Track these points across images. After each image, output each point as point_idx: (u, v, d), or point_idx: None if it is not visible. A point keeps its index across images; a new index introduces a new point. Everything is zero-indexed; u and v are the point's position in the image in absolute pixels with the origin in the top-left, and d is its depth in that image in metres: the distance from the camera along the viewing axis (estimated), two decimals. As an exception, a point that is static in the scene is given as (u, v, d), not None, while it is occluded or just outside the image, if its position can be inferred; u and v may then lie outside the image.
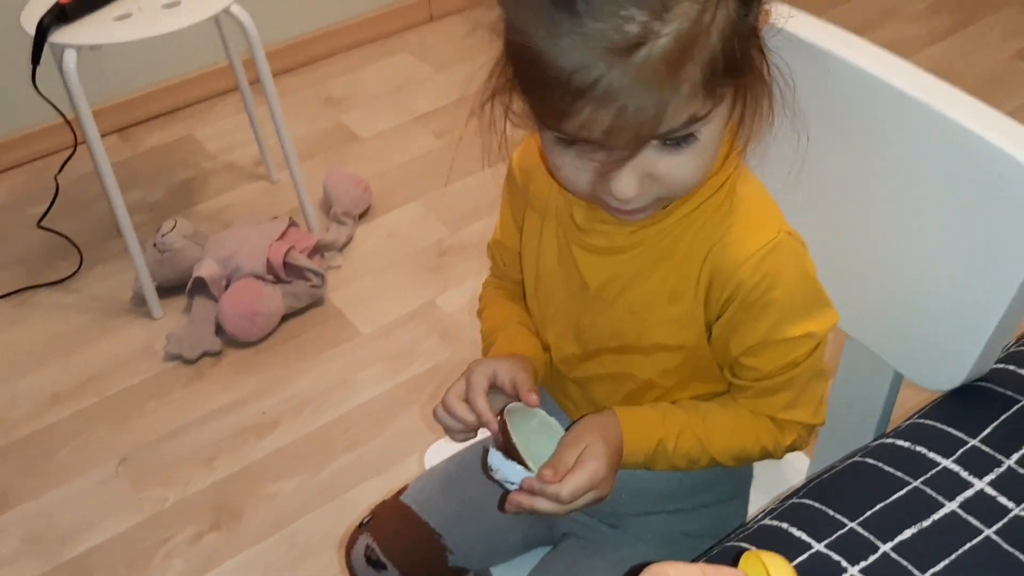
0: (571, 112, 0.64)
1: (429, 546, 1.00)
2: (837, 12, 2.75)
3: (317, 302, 2.01)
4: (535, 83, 0.66)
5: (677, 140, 0.68)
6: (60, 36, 1.75)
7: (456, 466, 1.05)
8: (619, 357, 0.87)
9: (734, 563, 0.64)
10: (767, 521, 0.82)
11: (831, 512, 0.80)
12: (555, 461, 0.80)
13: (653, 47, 0.61)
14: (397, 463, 1.68)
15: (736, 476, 0.99)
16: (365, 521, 1.02)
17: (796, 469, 1.16)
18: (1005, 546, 0.75)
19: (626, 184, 0.69)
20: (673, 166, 0.70)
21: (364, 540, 1.01)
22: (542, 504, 0.79)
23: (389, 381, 1.85)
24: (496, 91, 0.73)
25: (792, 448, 0.89)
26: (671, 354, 0.85)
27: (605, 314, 0.85)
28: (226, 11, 1.83)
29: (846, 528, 0.78)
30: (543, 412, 0.86)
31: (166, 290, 2.03)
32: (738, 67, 0.67)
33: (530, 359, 0.89)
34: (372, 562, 1.00)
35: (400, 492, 1.03)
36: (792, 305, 0.80)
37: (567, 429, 0.85)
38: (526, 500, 0.79)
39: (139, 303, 2.03)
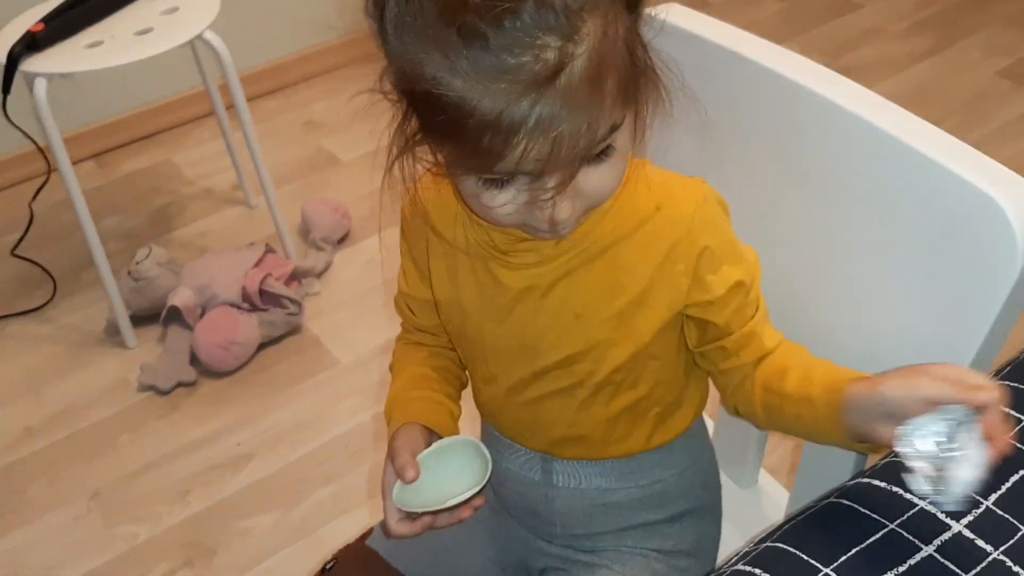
0: (505, 152, 0.63)
1: None
2: (819, 32, 2.75)
3: (294, 330, 1.99)
4: (457, 131, 0.64)
5: (600, 155, 0.69)
6: (31, 64, 1.73)
7: None
8: (569, 368, 0.85)
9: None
10: (740, 566, 0.80)
11: (805, 556, 0.77)
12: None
13: (573, 70, 0.62)
14: (375, 498, 1.65)
15: (703, 481, 0.98)
16: (328, 566, 0.99)
17: (776, 503, 1.14)
18: (984, 592, 0.73)
19: (564, 208, 0.69)
20: (597, 179, 0.70)
21: None
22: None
23: (367, 412, 1.82)
24: (403, 150, 0.72)
25: None
26: (620, 348, 0.83)
27: (549, 326, 0.83)
28: (199, 37, 1.81)
29: (821, 573, 0.75)
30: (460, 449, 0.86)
31: (141, 319, 2.00)
32: (639, 69, 0.69)
33: (420, 424, 0.88)
34: None
35: (364, 536, 1.00)
36: (736, 243, 0.83)
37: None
38: None
39: (113, 333, 2.00)
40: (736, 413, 0.89)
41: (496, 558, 1.00)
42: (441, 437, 0.89)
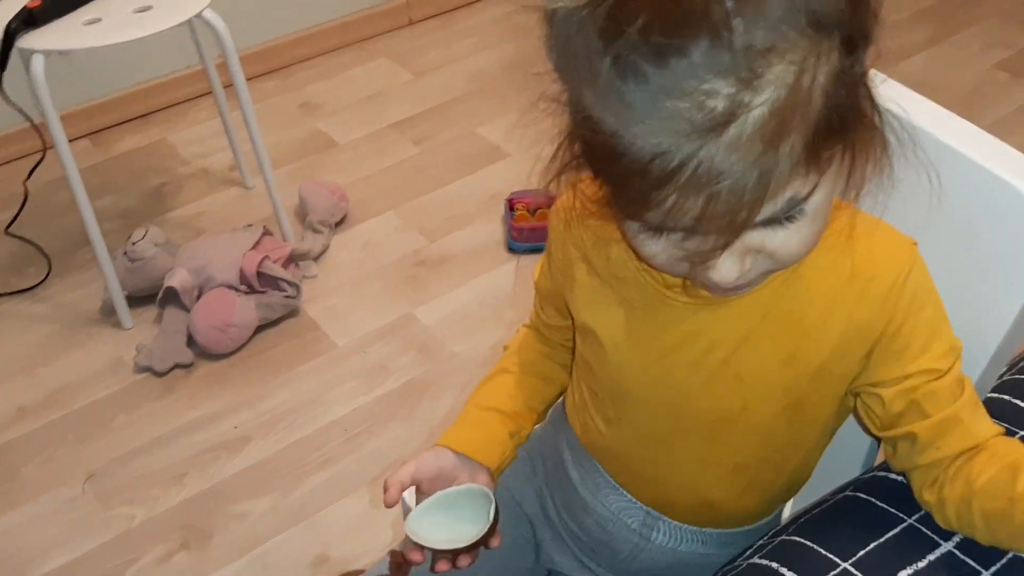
0: (653, 202, 0.55)
1: None
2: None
3: (292, 313, 1.97)
4: (609, 169, 0.57)
5: (780, 220, 0.60)
6: (28, 41, 1.70)
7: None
8: (710, 436, 0.79)
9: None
10: (756, 559, 0.79)
11: (823, 551, 0.77)
12: None
13: (745, 123, 0.52)
14: (373, 482, 1.64)
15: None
16: None
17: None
18: (1003, 589, 0.72)
19: (727, 271, 0.61)
20: (780, 241, 0.61)
21: None
22: None
23: (364, 396, 1.81)
24: (563, 169, 0.64)
25: None
26: (783, 425, 0.77)
27: (703, 385, 0.76)
28: (198, 16, 1.79)
29: (839, 568, 0.75)
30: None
31: (137, 300, 1.98)
32: (846, 125, 0.57)
33: (451, 463, 0.87)
34: None
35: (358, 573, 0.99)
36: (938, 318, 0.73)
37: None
38: None
39: (108, 313, 1.98)
40: (941, 519, 0.75)
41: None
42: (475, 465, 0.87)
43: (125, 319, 1.96)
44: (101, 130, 2.52)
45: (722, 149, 0.52)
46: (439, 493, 0.85)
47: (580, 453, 0.92)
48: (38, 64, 1.68)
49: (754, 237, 0.60)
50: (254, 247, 1.95)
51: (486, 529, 0.84)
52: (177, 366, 1.86)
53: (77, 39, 1.71)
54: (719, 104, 0.51)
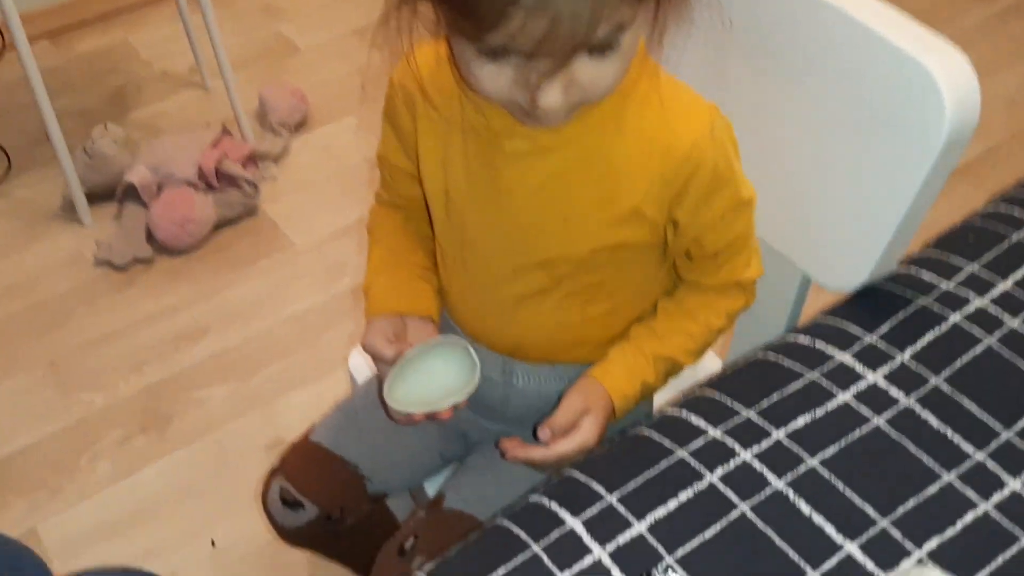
0: (500, 22, 0.60)
1: (345, 478, 1.00)
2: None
3: (250, 212, 2.00)
4: None
5: (602, 48, 0.66)
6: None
7: (361, 399, 1.04)
8: (550, 270, 0.85)
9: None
10: (670, 411, 0.85)
11: (729, 402, 0.83)
12: (552, 422, 0.85)
13: None
14: (327, 373, 1.69)
15: None
16: (276, 466, 1.02)
17: (708, 368, 1.19)
18: (892, 434, 0.79)
19: (553, 96, 0.67)
20: (596, 73, 0.68)
21: (278, 483, 1.00)
22: (535, 454, 0.86)
23: (321, 294, 1.85)
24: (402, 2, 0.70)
25: (745, 307, 0.92)
26: (607, 256, 0.84)
27: (535, 226, 0.83)
28: (157, -92, 1.78)
29: (742, 416, 0.81)
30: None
31: (96, 196, 1.99)
32: None
33: (394, 318, 0.91)
34: (288, 503, 1.00)
35: (307, 433, 1.03)
36: (738, 171, 0.82)
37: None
38: (520, 452, 0.87)
39: (68, 210, 1.99)
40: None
41: (439, 431, 1.03)
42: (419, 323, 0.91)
43: (85, 215, 1.98)
44: (62, 31, 2.49)
45: None
46: (407, 354, 0.87)
47: (444, 319, 0.97)
48: (-6, -45, 1.67)
49: (577, 67, 0.66)
50: (213, 146, 1.96)
51: (475, 379, 0.86)
52: (136, 260, 1.88)
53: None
54: None
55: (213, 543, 1.47)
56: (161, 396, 1.67)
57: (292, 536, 1.04)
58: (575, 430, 0.85)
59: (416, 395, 0.87)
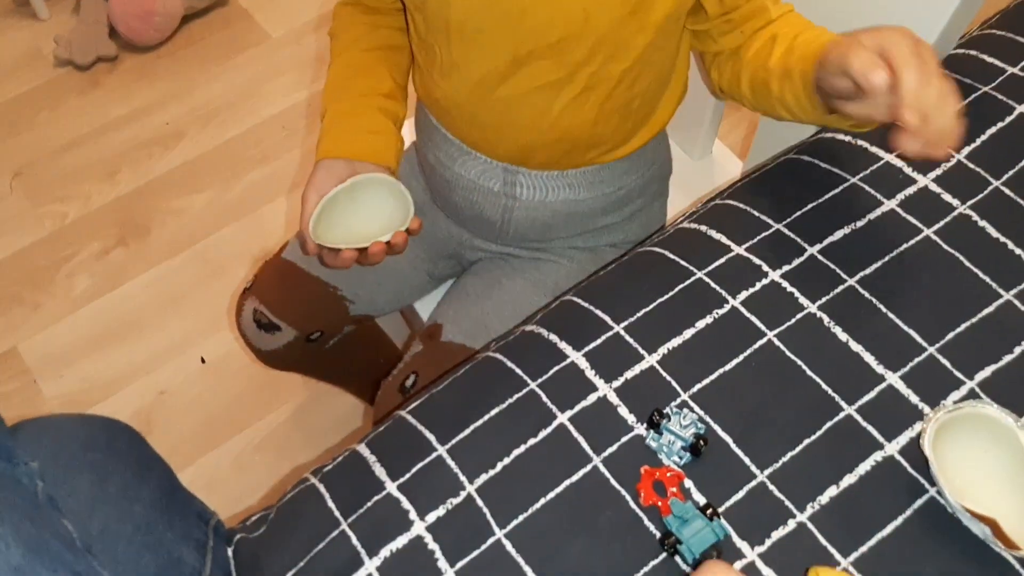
0: None
1: (324, 300, 0.92)
2: None
3: (220, 3, 1.82)
4: None
5: None
6: None
7: None
8: (560, 56, 0.71)
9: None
10: (686, 224, 0.74)
11: (756, 213, 0.71)
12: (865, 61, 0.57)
13: None
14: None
15: (662, 173, 0.90)
16: (248, 286, 0.93)
17: (729, 173, 1.08)
18: (944, 246, 0.68)
19: None
20: None
21: (251, 304, 0.92)
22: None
23: (301, 91, 1.70)
24: None
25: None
26: (630, 33, 0.70)
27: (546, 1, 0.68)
28: None
29: (770, 230, 0.70)
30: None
31: (52, -12, 1.82)
32: None
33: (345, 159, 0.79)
34: (263, 325, 0.92)
35: (280, 251, 0.93)
36: None
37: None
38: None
39: (21, 3, 1.82)
40: (720, 92, 0.79)
41: (427, 252, 0.93)
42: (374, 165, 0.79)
43: (40, 9, 1.81)
44: None
45: None
46: (334, 191, 0.76)
47: (431, 130, 0.85)
48: None
49: None
50: (175, -73, 1.77)
51: (410, 215, 0.77)
52: (100, 59, 1.73)
53: None
54: None
55: (203, 360, 1.40)
56: (137, 206, 1.56)
57: (270, 359, 0.96)
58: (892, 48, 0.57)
59: (345, 232, 0.77)
